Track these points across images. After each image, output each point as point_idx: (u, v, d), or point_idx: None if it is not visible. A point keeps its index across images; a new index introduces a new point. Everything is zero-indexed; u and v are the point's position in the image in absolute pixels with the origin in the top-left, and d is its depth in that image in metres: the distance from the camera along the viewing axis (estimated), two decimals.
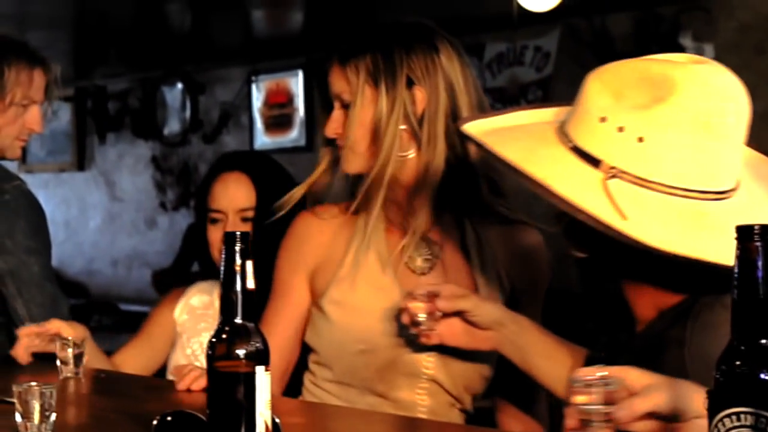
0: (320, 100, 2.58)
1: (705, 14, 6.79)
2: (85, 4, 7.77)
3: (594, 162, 1.88)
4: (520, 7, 5.88)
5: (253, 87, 9.75)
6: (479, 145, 2.03)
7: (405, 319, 2.25)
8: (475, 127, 2.10)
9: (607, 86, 1.91)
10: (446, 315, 2.23)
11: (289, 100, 9.49)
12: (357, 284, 2.46)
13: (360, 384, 2.44)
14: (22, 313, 3.02)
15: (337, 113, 2.48)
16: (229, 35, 8.87)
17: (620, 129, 1.86)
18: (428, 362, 2.41)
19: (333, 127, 2.48)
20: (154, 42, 9.31)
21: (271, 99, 9.63)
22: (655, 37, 6.88)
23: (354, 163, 2.46)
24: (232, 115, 9.96)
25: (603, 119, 1.88)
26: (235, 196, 2.85)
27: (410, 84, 2.41)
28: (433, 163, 2.40)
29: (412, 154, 2.42)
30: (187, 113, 10.27)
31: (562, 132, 1.96)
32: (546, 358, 2.23)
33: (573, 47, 7.38)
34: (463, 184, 2.45)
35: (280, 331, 2.53)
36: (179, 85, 10.31)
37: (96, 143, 11.12)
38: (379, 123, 2.40)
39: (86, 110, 11.07)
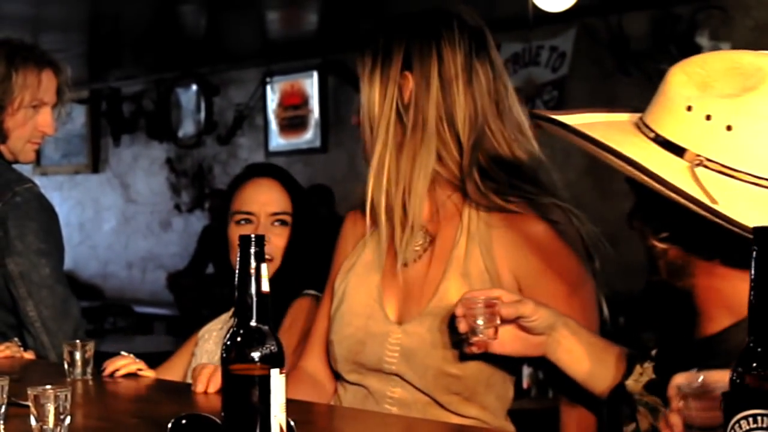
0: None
1: (722, 13, 6.77)
2: (99, 7, 7.79)
3: (678, 151, 1.82)
4: (535, 8, 5.87)
5: (268, 88, 9.75)
6: (562, 126, 1.94)
7: (463, 327, 2.16)
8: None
9: (692, 77, 1.85)
10: (503, 321, 2.15)
11: (304, 101, 9.49)
12: (349, 277, 2.48)
13: (343, 375, 2.45)
14: (32, 314, 3.02)
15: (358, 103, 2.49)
16: (244, 37, 8.87)
17: (708, 117, 1.80)
18: (392, 357, 2.37)
19: (354, 117, 2.49)
20: (168, 44, 9.33)
21: (286, 100, 9.64)
22: (672, 36, 6.87)
23: (363, 151, 2.46)
24: (247, 116, 9.97)
25: (689, 108, 1.82)
26: (268, 199, 2.89)
27: (404, 70, 2.39)
28: (421, 152, 2.37)
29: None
30: (202, 115, 10.28)
31: (641, 125, 1.91)
32: (596, 361, 2.18)
33: (589, 47, 7.37)
34: (465, 176, 2.39)
35: (321, 329, 2.55)
36: (194, 87, 10.32)
37: (110, 145, 11.14)
38: (373, 111, 2.39)
39: (100, 112, 11.10)
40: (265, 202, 2.89)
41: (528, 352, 2.22)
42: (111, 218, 11.23)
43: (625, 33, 7.13)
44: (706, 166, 1.79)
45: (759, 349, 1.34)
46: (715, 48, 6.53)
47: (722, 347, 1.81)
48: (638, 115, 1.97)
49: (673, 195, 1.76)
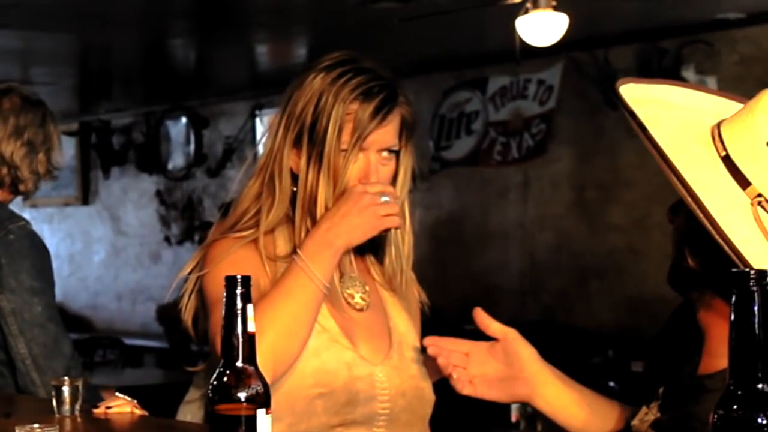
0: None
1: (707, 47, 6.81)
2: (89, 40, 7.81)
3: (742, 181, 1.77)
4: (522, 42, 5.90)
5: (257, 121, 9.77)
6: (632, 116, 1.85)
7: (432, 351, 2.18)
8: (631, 91, 1.95)
9: None
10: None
11: None
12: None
13: (318, 428, 2.34)
14: (23, 352, 3.03)
15: None
16: (233, 70, 8.90)
17: None
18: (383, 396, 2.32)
19: None
20: (157, 77, 9.35)
21: None
22: (658, 70, 6.90)
23: None
24: (237, 149, 9.98)
25: None
26: None
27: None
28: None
29: None
30: (192, 147, 10.29)
31: (716, 135, 1.84)
32: (584, 407, 2.17)
33: (576, 81, 7.40)
34: None
35: None
36: (183, 120, 10.34)
37: (100, 177, 11.14)
38: None
39: (90, 145, 11.11)
40: None
41: (512, 397, 2.21)
42: (101, 250, 11.22)
43: (611, 67, 7.17)
44: (763, 207, 1.75)
45: (739, 392, 1.36)
46: (702, 82, 6.56)
47: (718, 386, 1.77)
48: (722, 98, 1.92)
49: (726, 248, 1.70)
